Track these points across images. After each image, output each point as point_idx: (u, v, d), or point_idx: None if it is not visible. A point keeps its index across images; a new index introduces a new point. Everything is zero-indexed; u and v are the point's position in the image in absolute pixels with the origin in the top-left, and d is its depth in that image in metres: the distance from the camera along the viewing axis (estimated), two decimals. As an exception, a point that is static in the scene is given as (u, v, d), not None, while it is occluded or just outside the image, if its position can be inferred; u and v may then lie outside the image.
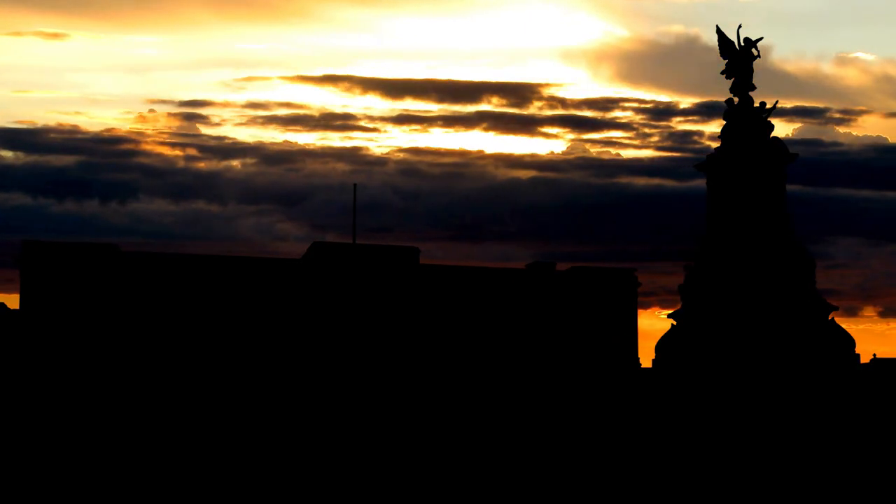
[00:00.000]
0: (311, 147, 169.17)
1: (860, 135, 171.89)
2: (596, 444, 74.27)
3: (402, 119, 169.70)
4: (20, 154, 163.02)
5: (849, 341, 78.39)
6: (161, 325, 75.25)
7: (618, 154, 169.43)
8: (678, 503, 70.09)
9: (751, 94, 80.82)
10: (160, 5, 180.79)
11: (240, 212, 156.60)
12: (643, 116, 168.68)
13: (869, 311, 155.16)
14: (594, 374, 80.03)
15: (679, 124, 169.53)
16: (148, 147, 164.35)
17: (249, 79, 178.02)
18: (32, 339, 72.76)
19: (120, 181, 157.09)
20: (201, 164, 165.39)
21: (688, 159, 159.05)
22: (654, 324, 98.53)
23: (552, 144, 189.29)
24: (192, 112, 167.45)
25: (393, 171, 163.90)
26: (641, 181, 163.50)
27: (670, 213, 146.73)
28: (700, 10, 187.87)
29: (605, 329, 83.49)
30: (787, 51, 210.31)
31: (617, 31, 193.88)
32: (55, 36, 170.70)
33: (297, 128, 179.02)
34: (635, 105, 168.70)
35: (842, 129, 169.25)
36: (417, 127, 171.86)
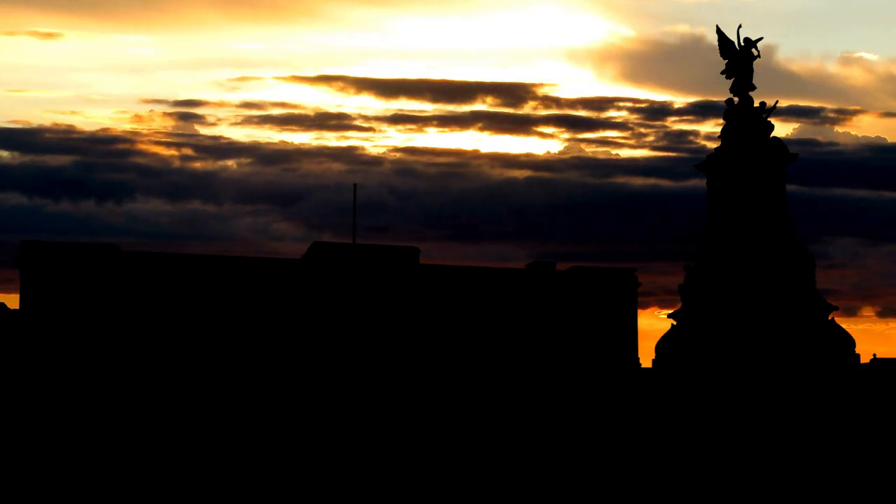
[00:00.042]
0: (307, 147, 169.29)
1: (858, 134, 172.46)
2: (596, 444, 74.23)
3: (398, 119, 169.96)
4: (16, 154, 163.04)
5: (849, 341, 78.42)
6: (161, 326, 75.19)
7: (616, 154, 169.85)
8: (678, 503, 70.05)
9: (751, 93, 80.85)
10: (155, 5, 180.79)
11: (236, 212, 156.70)
12: (638, 116, 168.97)
13: (867, 311, 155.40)
14: (594, 374, 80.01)
15: (674, 123, 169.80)
16: (143, 147, 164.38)
17: (244, 78, 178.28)
18: (32, 339, 72.67)
19: (116, 181, 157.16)
20: (197, 164, 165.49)
21: (683, 159, 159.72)
22: (653, 324, 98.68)
23: (548, 144, 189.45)
24: (187, 112, 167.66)
25: (389, 170, 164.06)
26: (638, 181, 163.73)
27: (667, 213, 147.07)
28: (705, 10, 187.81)
29: (605, 329, 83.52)
30: (792, 50, 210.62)
31: (622, 31, 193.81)
32: (49, 35, 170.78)
33: (293, 128, 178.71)
34: (629, 105, 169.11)
35: (839, 129, 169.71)
36: (413, 126, 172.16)
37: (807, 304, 78.30)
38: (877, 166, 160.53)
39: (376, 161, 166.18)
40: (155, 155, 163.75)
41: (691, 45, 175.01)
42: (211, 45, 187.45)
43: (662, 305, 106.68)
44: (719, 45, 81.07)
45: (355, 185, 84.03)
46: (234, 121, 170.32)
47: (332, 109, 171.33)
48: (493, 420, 74.98)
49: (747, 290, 77.49)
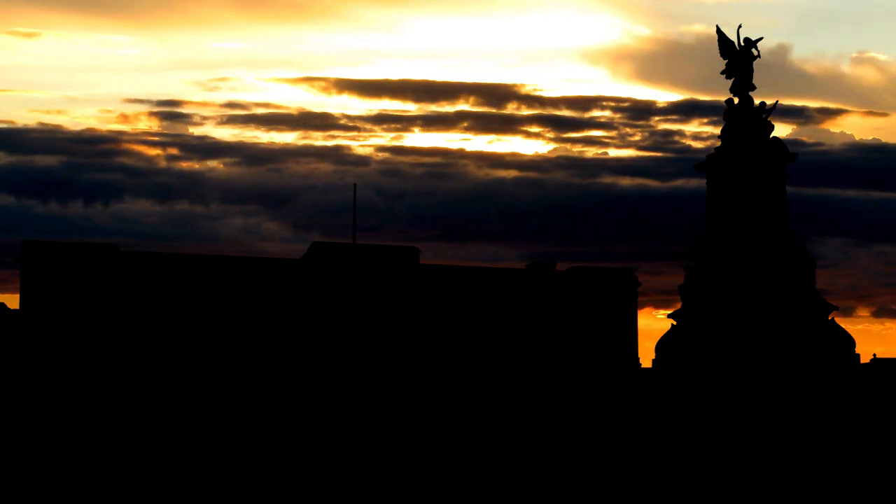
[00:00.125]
0: (293, 146, 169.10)
1: (846, 133, 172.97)
2: (596, 444, 74.20)
3: (382, 119, 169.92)
4: (2, 154, 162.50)
5: (849, 341, 78.50)
6: (161, 325, 75.07)
7: (604, 153, 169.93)
8: (678, 503, 70.03)
9: (751, 94, 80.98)
10: (134, 4, 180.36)
11: (224, 212, 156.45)
12: (622, 115, 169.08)
13: (863, 312, 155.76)
14: (594, 374, 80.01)
15: (670, 123, 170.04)
16: (129, 146, 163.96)
17: (225, 78, 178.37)
18: (32, 339, 72.48)
19: (103, 181, 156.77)
20: (183, 164, 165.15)
21: (669, 159, 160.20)
22: (654, 324, 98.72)
23: (536, 145, 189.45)
24: (171, 111, 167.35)
25: (375, 170, 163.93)
26: (626, 181, 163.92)
27: (657, 213, 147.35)
28: (720, 10, 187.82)
29: (605, 329, 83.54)
30: (808, 49, 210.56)
31: (637, 30, 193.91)
32: (29, 35, 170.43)
33: (281, 127, 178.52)
34: (613, 105, 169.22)
35: (824, 128, 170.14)
36: (397, 125, 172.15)
37: (807, 304, 78.36)
38: (864, 167, 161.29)
39: (363, 161, 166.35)
40: (141, 155, 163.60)
41: (708, 45, 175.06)
42: (192, 45, 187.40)
43: (656, 306, 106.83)
44: (719, 45, 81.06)
45: (355, 185, 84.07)
46: (219, 120, 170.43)
47: (316, 109, 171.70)
48: (493, 420, 74.92)
49: (747, 290, 77.50)
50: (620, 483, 70.85)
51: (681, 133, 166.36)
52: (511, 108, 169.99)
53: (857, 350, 79.18)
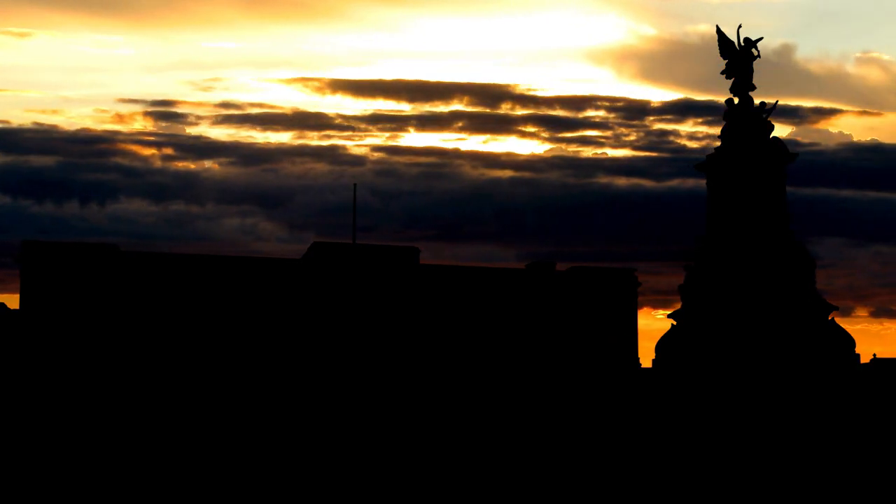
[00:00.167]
0: (288, 146, 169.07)
1: (841, 132, 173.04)
2: (596, 444, 74.20)
3: (377, 119, 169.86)
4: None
5: (849, 341, 78.54)
6: (161, 326, 75.00)
7: (601, 153, 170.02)
8: (678, 503, 70.04)
9: (751, 93, 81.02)
10: (126, 4, 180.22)
11: (220, 212, 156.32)
12: (617, 115, 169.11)
13: (861, 312, 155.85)
14: (594, 374, 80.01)
15: (665, 123, 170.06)
16: (124, 146, 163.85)
17: (219, 78, 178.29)
18: (32, 339, 72.39)
19: (99, 181, 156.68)
20: (179, 164, 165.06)
21: (665, 159, 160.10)
22: (653, 324, 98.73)
23: (531, 145, 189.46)
24: (166, 111, 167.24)
25: (370, 170, 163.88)
26: (621, 181, 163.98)
27: (653, 214, 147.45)
28: (725, 10, 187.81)
29: (605, 329, 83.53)
30: (812, 49, 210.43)
31: (642, 30, 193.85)
32: (22, 35, 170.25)
33: (276, 127, 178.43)
34: (608, 104, 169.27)
35: (821, 128, 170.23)
36: (392, 125, 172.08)
37: (807, 304, 78.39)
38: (859, 167, 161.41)
39: (359, 161, 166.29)
40: (136, 155, 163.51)
41: (711, 45, 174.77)
42: (186, 45, 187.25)
43: (656, 306, 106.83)
44: (719, 45, 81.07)
45: (355, 185, 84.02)
46: (213, 120, 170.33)
47: (311, 109, 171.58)
48: (493, 420, 74.90)
49: (747, 290, 77.52)
50: (621, 483, 70.86)
51: (676, 133, 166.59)
52: (506, 108, 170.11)
53: (857, 350, 79.34)
